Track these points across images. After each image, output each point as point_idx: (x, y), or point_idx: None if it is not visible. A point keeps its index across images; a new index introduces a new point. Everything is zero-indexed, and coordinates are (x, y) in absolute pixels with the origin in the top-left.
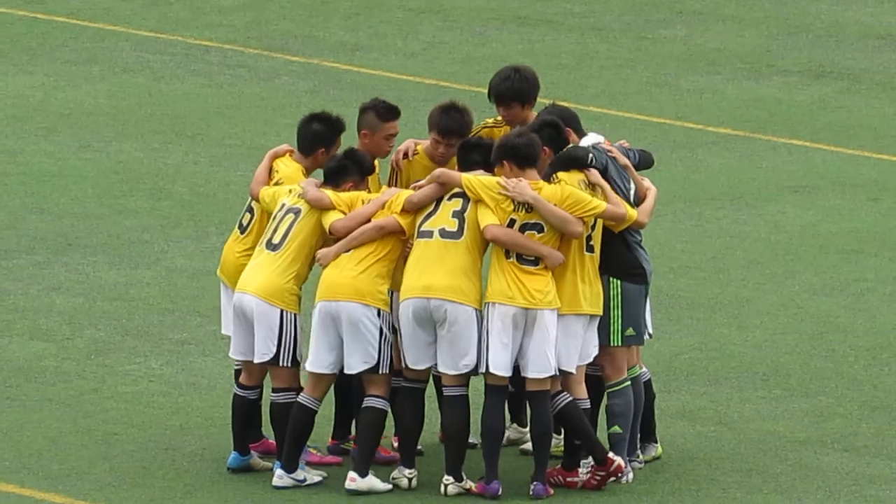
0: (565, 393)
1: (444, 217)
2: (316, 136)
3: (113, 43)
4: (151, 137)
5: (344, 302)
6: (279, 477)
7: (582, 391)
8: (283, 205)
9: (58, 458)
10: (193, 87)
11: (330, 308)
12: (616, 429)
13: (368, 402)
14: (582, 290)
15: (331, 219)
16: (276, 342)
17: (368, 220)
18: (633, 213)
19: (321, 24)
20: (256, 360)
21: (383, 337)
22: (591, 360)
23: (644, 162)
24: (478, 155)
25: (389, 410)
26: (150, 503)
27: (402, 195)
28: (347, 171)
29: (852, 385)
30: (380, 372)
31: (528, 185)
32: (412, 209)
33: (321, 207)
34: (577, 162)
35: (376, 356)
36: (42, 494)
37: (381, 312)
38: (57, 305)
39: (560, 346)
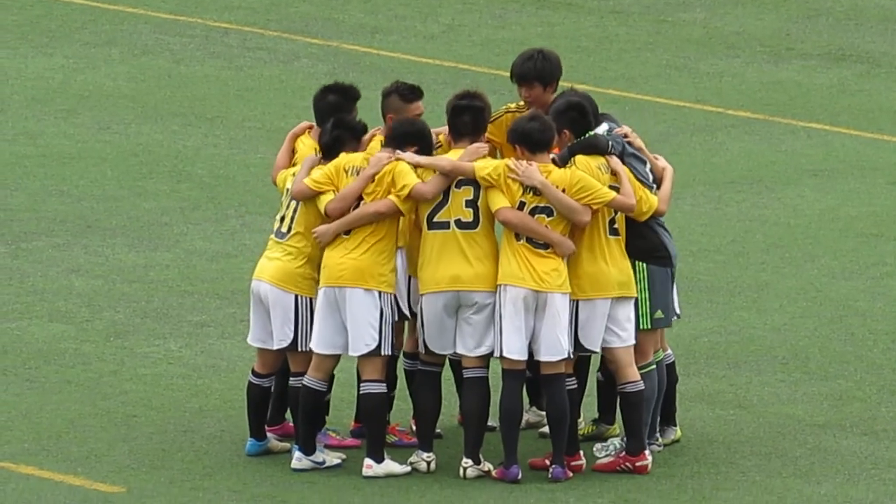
0: (573, 378)
1: (457, 207)
2: (334, 109)
3: (132, 25)
4: (171, 120)
5: (347, 287)
6: (297, 459)
7: (634, 373)
8: (287, 190)
9: (77, 440)
10: (213, 69)
11: (334, 292)
12: None
13: (366, 388)
14: (606, 271)
15: (324, 202)
16: (293, 327)
17: (359, 196)
18: (653, 202)
19: (340, 7)
20: (275, 347)
21: (384, 318)
22: (633, 342)
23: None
24: (468, 117)
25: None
26: (168, 485)
27: (400, 173)
28: (343, 141)
29: (871, 369)
30: (381, 353)
31: (538, 170)
32: (419, 199)
33: (305, 199)
34: (597, 150)
35: (377, 337)
36: (61, 476)
37: (383, 294)
38: (76, 288)
39: (585, 326)
